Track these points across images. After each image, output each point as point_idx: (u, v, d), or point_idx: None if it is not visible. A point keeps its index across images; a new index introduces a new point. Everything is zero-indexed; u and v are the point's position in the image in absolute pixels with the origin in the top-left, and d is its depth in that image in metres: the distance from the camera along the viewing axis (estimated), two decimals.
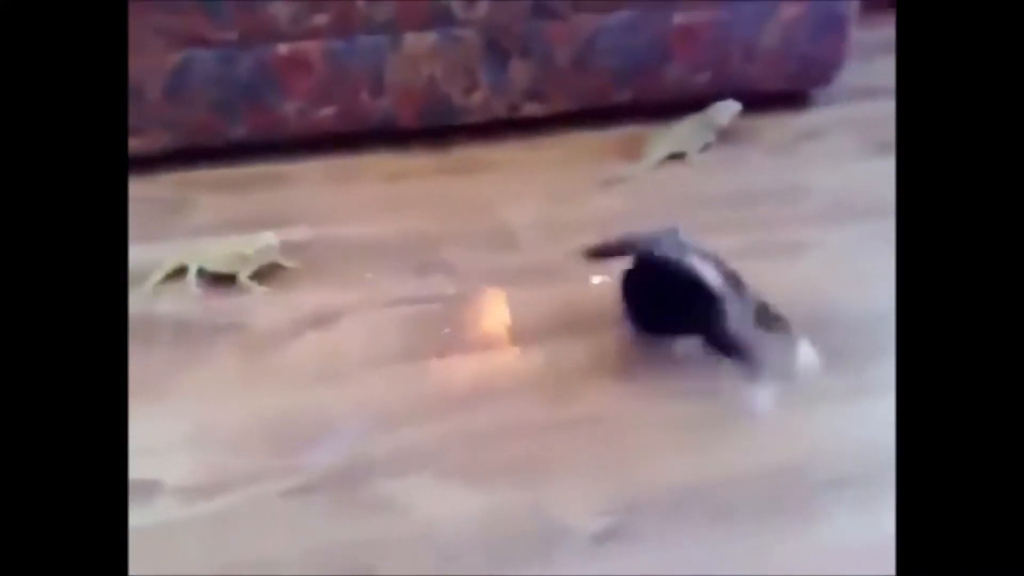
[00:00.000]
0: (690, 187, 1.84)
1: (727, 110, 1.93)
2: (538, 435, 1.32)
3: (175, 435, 1.33)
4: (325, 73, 1.84)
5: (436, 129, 1.97)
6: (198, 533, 1.20)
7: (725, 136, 1.94)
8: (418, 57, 1.86)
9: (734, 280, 1.38)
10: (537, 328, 1.51)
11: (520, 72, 1.90)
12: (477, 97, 1.92)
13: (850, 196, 1.79)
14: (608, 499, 1.23)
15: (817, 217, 1.74)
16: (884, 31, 1.75)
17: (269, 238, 1.61)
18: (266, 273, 1.62)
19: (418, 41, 1.84)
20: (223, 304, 1.58)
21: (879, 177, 1.63)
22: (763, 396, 1.38)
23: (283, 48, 1.81)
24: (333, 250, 1.70)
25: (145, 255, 1.62)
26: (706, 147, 1.94)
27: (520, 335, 1.51)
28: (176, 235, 1.73)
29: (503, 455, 1.29)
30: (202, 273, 1.61)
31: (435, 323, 1.54)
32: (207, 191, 1.85)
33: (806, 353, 1.40)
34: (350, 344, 1.49)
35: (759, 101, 1.98)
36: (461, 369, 1.44)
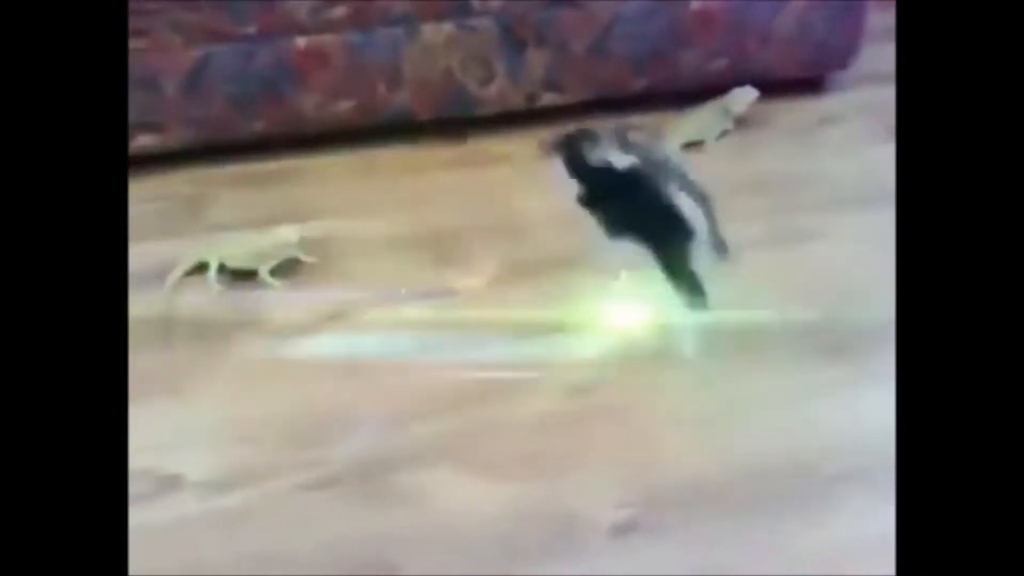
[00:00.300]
0: (706, 174, 1.82)
1: (744, 97, 1.92)
2: (556, 428, 1.33)
3: (196, 430, 1.35)
4: (343, 66, 1.85)
5: (452, 121, 1.97)
6: (219, 526, 1.22)
7: (742, 123, 1.93)
8: (435, 48, 1.86)
9: (704, 202, 1.41)
10: (555, 320, 1.51)
11: (536, 61, 1.90)
12: (493, 88, 1.92)
13: (866, 182, 1.77)
14: (626, 491, 1.24)
15: (833, 203, 1.72)
16: None
17: (289, 233, 1.62)
18: (285, 268, 1.64)
19: (435, 32, 1.84)
20: (243, 299, 1.59)
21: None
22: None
23: (301, 42, 1.81)
24: (351, 244, 1.70)
25: (165, 251, 1.65)
26: (723, 134, 1.92)
27: (538, 328, 1.51)
28: (196, 231, 1.74)
29: (522, 448, 1.30)
30: (222, 269, 1.62)
31: (453, 316, 1.54)
32: (226, 187, 1.86)
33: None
34: (368, 338, 1.50)
35: (776, 87, 1.96)
36: (479, 362, 1.44)
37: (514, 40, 1.87)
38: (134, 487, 1.24)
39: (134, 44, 1.75)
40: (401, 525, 1.21)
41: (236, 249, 1.63)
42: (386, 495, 1.25)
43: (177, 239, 1.70)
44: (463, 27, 1.85)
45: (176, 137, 1.86)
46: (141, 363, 1.45)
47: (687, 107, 1.93)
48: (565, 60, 1.90)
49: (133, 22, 1.73)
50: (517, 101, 1.94)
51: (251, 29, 1.80)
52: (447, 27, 1.85)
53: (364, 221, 1.76)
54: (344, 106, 1.90)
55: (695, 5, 1.88)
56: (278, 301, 1.59)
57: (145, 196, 1.82)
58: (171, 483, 1.27)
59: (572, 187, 1.48)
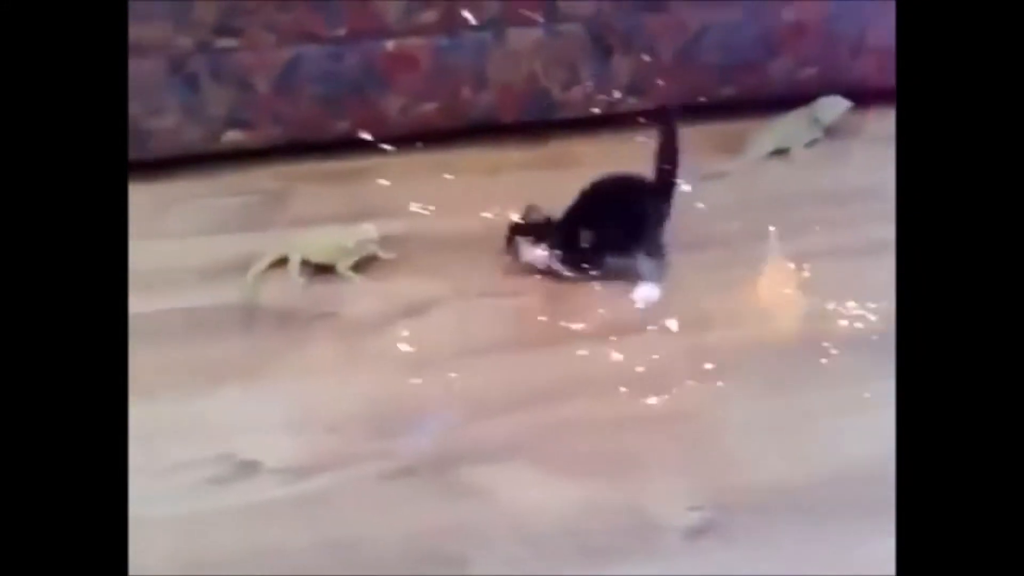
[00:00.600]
0: (790, 183, 1.80)
1: (833, 107, 1.88)
2: (629, 429, 1.31)
3: (275, 417, 1.37)
4: (429, 69, 1.87)
5: (534, 123, 1.97)
6: (295, 512, 1.23)
7: (831, 132, 1.89)
8: (521, 52, 1.87)
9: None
10: (628, 322, 1.50)
11: (622, 67, 1.89)
12: (577, 91, 1.92)
13: None
14: (700, 494, 1.22)
15: None
16: None
17: (369, 230, 1.64)
18: (364, 264, 1.65)
19: (522, 37, 1.85)
20: (323, 293, 1.61)
21: None
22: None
23: (390, 44, 1.84)
24: (429, 242, 1.71)
25: (248, 244, 1.68)
26: (812, 143, 1.88)
27: (611, 328, 1.49)
28: (278, 225, 1.78)
29: (594, 447, 1.29)
30: (304, 263, 1.65)
31: (527, 315, 1.54)
32: (308, 183, 1.89)
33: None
34: (443, 333, 1.51)
35: (866, 97, 1.91)
36: (552, 360, 1.44)
37: (602, 46, 1.87)
38: (212, 470, 1.29)
39: (228, 43, 1.80)
40: (473, 519, 1.20)
41: (318, 244, 1.65)
42: (460, 488, 1.24)
43: (261, 232, 1.74)
44: (551, 32, 1.85)
45: (264, 134, 1.90)
46: (224, 349, 1.50)
47: (773, 115, 1.90)
48: (651, 66, 1.89)
49: (229, 21, 1.78)
50: (600, 105, 1.93)
51: (341, 31, 1.83)
52: (535, 32, 1.86)
53: (442, 219, 1.77)
54: (428, 108, 1.92)
55: (787, 15, 1.85)
56: (356, 295, 1.60)
57: (232, 190, 1.87)
58: (249, 468, 1.28)
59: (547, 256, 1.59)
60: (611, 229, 1.58)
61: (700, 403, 1.35)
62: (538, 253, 1.60)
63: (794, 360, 1.41)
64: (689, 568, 1.13)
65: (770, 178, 1.81)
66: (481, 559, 1.16)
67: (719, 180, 1.81)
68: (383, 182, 1.89)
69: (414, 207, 1.79)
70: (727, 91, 1.93)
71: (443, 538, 1.19)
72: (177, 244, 1.74)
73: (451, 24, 1.84)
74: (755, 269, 1.58)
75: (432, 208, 1.79)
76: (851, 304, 1.50)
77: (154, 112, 1.83)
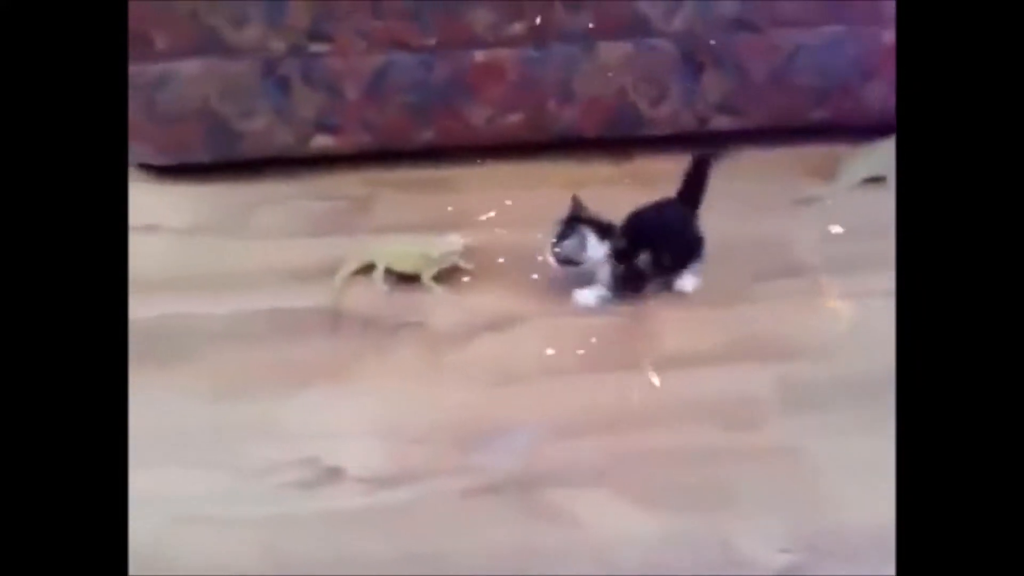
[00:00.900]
0: (886, 213, 1.74)
1: None
2: (718, 461, 1.29)
3: (359, 423, 1.38)
4: (517, 81, 1.86)
5: (619, 139, 1.95)
6: (377, 522, 1.24)
7: None
8: (610, 67, 1.85)
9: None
10: (718, 350, 1.48)
11: (713, 85, 1.86)
12: (665, 108, 1.90)
13: None
14: (790, 535, 1.18)
15: None
16: None
17: (455, 241, 1.65)
18: (447, 275, 1.66)
19: (612, 51, 1.84)
20: (406, 301, 1.62)
21: None
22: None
23: (479, 55, 1.84)
24: (512, 255, 1.71)
25: (334, 249, 1.70)
26: None
27: (700, 356, 1.47)
28: (362, 231, 1.79)
29: (681, 479, 1.27)
30: (388, 271, 1.66)
31: (612, 336, 1.52)
32: (394, 190, 1.91)
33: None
34: (526, 350, 1.50)
35: None
36: (639, 386, 1.42)
37: (692, 63, 1.84)
38: (298, 474, 1.30)
39: (320, 48, 1.82)
40: (555, 543, 1.19)
41: (403, 252, 1.66)
42: (542, 510, 1.24)
43: (347, 237, 1.76)
44: (642, 46, 1.83)
45: (352, 140, 1.92)
46: (309, 352, 1.51)
47: (867, 141, 1.85)
48: (743, 86, 1.86)
49: (322, 26, 1.80)
50: (688, 123, 1.91)
51: (432, 40, 1.83)
52: (625, 47, 1.84)
53: (525, 233, 1.76)
54: (513, 119, 1.92)
55: (887, 37, 1.81)
56: (439, 306, 1.61)
57: (319, 194, 1.89)
58: (333, 475, 1.29)
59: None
60: (668, 252, 1.58)
61: (791, 439, 1.31)
62: (588, 294, 1.59)
63: (890, 396, 1.35)
64: None
65: (866, 206, 1.76)
66: None
67: (812, 205, 1.78)
68: (466, 192, 1.89)
69: (496, 218, 1.79)
70: (819, 114, 1.89)
71: (523, 560, 1.18)
72: (264, 245, 1.76)
73: (541, 36, 1.83)
74: (848, 300, 1.55)
75: (515, 220, 1.79)
76: None
77: (246, 114, 1.86)
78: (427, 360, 1.49)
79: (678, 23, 1.81)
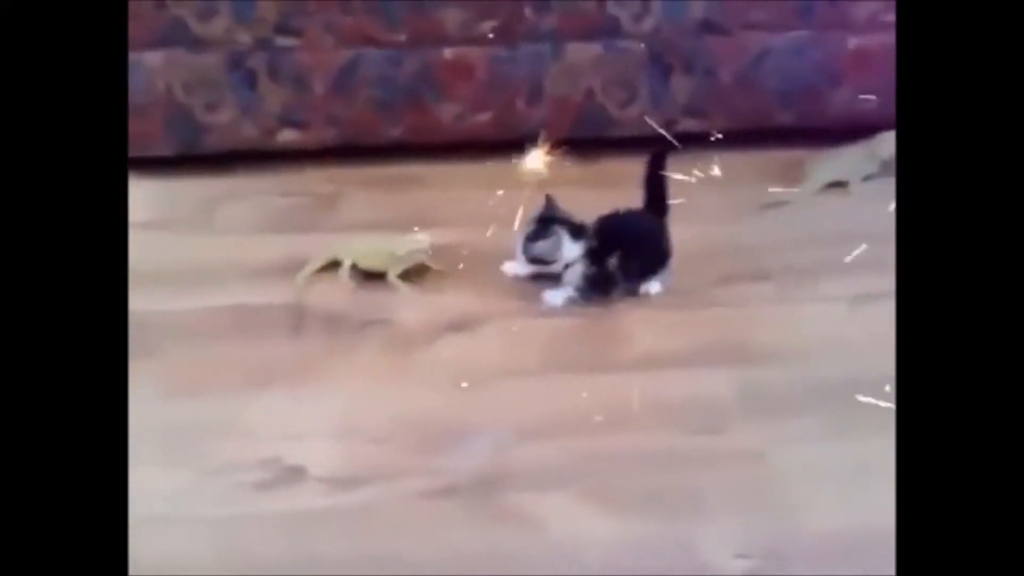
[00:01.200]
0: (849, 218, 1.77)
1: (893, 141, 1.85)
2: (681, 465, 1.29)
3: (320, 423, 1.36)
4: (486, 79, 1.86)
5: (586, 140, 1.95)
6: (336, 523, 1.22)
7: (890, 167, 1.85)
8: (579, 68, 1.85)
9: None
10: (683, 353, 1.48)
11: (681, 87, 1.87)
12: (633, 110, 1.90)
13: None
14: (750, 541, 1.19)
15: None
16: None
17: (421, 240, 1.64)
18: (413, 273, 1.65)
19: (581, 52, 1.84)
20: (371, 300, 1.61)
21: None
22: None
23: (448, 52, 1.83)
24: (477, 255, 1.70)
25: (298, 246, 1.68)
26: (869, 177, 1.85)
27: (665, 359, 1.47)
28: (328, 229, 1.77)
29: (644, 482, 1.27)
30: (354, 268, 1.64)
31: (579, 339, 1.52)
32: (360, 187, 1.89)
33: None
34: (491, 351, 1.49)
35: None
36: (604, 389, 1.41)
37: (661, 65, 1.85)
38: (257, 474, 1.28)
39: (288, 42, 1.80)
40: (519, 546, 1.19)
41: (369, 250, 1.65)
42: (503, 513, 1.23)
43: (312, 234, 1.74)
44: (611, 48, 1.83)
45: (318, 135, 1.90)
46: (271, 349, 1.49)
47: (832, 145, 1.87)
48: (710, 88, 1.87)
49: (290, 20, 1.78)
50: (656, 125, 1.91)
51: (401, 36, 1.82)
52: (594, 48, 1.84)
53: (491, 233, 1.76)
54: (482, 118, 1.91)
55: (852, 43, 1.83)
56: (405, 304, 1.59)
57: (284, 190, 1.87)
58: (294, 475, 1.28)
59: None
60: (636, 259, 1.59)
61: (755, 443, 1.32)
62: (556, 295, 1.59)
63: (856, 403, 1.36)
64: None
65: (831, 212, 1.79)
66: None
67: (778, 209, 1.79)
68: (433, 190, 1.88)
69: (463, 217, 1.78)
70: (785, 118, 1.91)
71: (484, 562, 1.17)
72: (227, 241, 1.74)
73: (510, 35, 1.83)
74: (812, 305, 1.56)
75: (481, 220, 1.78)
76: None
77: (211, 107, 1.84)
78: (391, 360, 1.48)
79: (647, 25, 1.81)
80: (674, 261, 1.62)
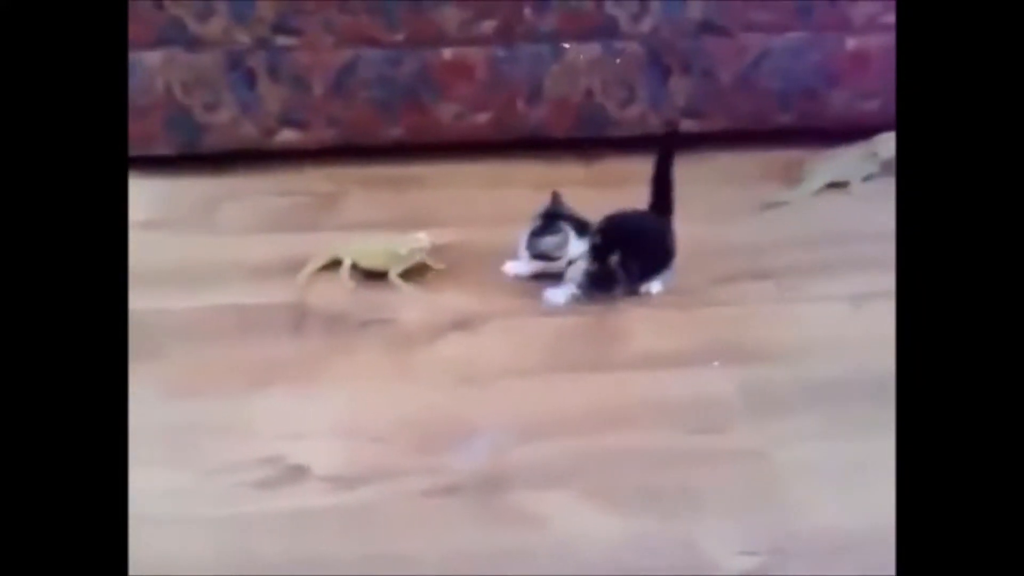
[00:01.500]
0: (849, 219, 1.78)
1: (893, 142, 1.85)
2: (683, 464, 1.30)
3: (322, 422, 1.36)
4: (485, 80, 1.86)
5: (587, 140, 1.96)
6: (338, 522, 1.22)
7: (889, 168, 1.86)
8: (578, 68, 1.86)
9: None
10: (684, 352, 1.48)
11: (680, 88, 1.87)
12: (633, 111, 1.90)
13: None
14: (753, 538, 1.19)
15: None
16: None
17: (422, 239, 1.64)
18: (414, 272, 1.65)
19: (580, 52, 1.84)
20: (372, 299, 1.61)
21: None
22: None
23: (447, 53, 1.83)
24: (479, 255, 1.70)
25: (299, 245, 1.68)
26: (868, 178, 1.86)
27: (666, 358, 1.48)
28: (328, 228, 1.77)
29: (646, 481, 1.27)
30: (355, 267, 1.64)
31: (580, 337, 1.53)
32: (360, 187, 1.89)
33: None
34: (492, 350, 1.50)
35: None
36: (605, 387, 1.42)
37: (660, 65, 1.85)
38: (259, 474, 1.28)
39: (287, 41, 1.80)
40: (521, 544, 1.19)
41: (370, 249, 1.65)
42: (505, 512, 1.23)
43: (312, 233, 1.74)
44: (609, 49, 1.84)
45: (318, 135, 1.90)
46: (272, 349, 1.49)
47: (831, 146, 1.88)
48: (710, 89, 1.88)
49: (289, 20, 1.78)
50: (655, 125, 1.92)
51: (400, 36, 1.82)
52: (593, 48, 1.84)
53: (492, 232, 1.76)
54: (482, 118, 1.91)
55: (851, 44, 1.83)
56: (405, 304, 1.60)
57: (284, 190, 1.87)
58: (297, 474, 1.28)
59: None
60: (639, 259, 1.59)
61: (756, 442, 1.32)
62: (558, 293, 1.59)
63: (856, 402, 1.37)
64: None
65: (830, 212, 1.79)
66: None
67: (777, 209, 1.80)
68: (433, 190, 1.88)
69: (463, 217, 1.79)
70: (785, 119, 1.92)
71: (486, 560, 1.17)
72: (227, 240, 1.74)
73: (509, 35, 1.83)
74: (812, 305, 1.56)
75: (482, 220, 1.79)
76: None
77: (210, 107, 1.83)
78: (392, 359, 1.48)
79: (646, 25, 1.82)
80: (676, 260, 1.62)
